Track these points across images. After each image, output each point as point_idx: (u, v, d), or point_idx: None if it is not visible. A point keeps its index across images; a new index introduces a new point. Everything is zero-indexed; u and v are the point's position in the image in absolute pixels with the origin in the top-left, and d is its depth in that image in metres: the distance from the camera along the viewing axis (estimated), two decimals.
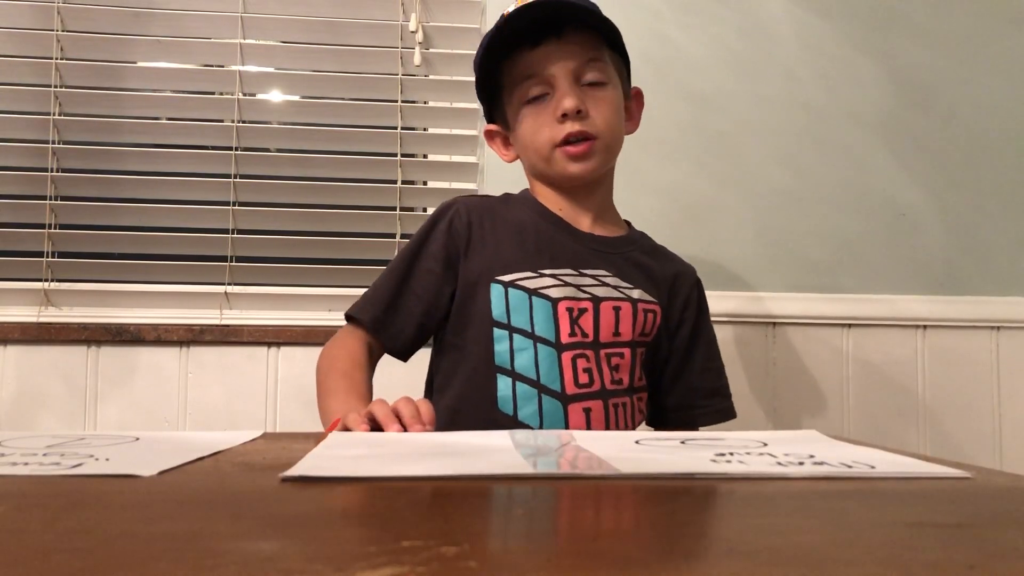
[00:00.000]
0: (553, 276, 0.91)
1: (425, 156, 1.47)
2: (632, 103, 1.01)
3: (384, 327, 0.92)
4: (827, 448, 0.54)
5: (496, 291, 0.90)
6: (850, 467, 0.46)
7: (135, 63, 1.42)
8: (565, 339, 0.89)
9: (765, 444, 0.55)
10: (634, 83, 1.04)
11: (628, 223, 1.04)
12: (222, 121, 1.40)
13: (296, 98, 1.47)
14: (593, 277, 0.93)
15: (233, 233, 1.38)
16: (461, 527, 0.33)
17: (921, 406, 1.38)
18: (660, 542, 0.31)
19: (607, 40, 0.95)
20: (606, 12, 0.92)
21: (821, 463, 0.47)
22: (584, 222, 0.97)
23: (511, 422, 0.87)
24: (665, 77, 1.41)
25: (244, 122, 1.40)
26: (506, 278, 0.91)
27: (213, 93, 1.43)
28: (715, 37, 1.43)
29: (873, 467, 0.46)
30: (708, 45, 1.43)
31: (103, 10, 1.39)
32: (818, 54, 1.44)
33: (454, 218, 0.95)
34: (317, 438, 0.60)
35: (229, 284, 1.36)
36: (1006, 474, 0.48)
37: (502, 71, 0.95)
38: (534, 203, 0.98)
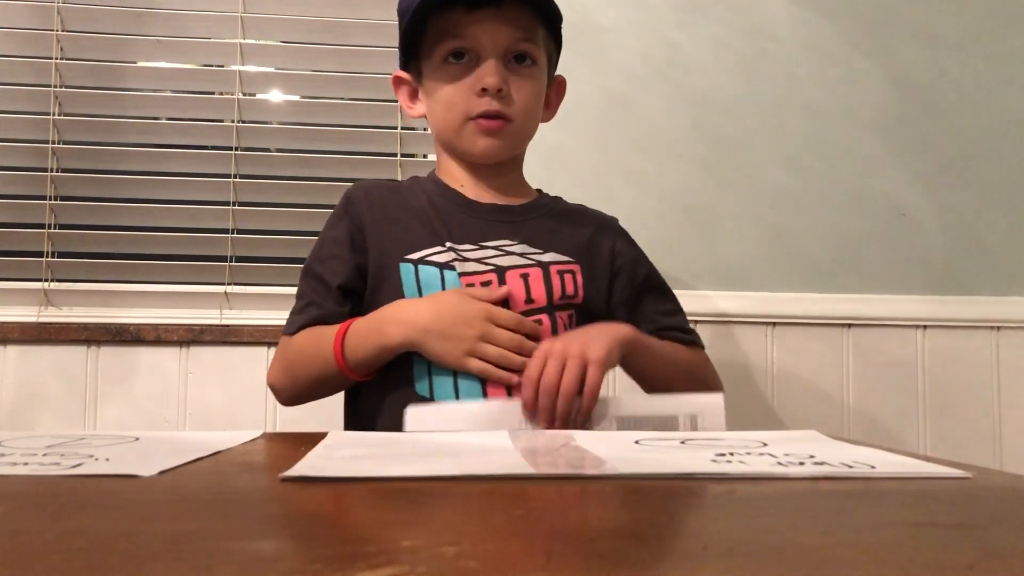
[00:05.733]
0: (454, 251, 0.88)
1: (425, 156, 1.47)
2: (552, 91, 0.97)
3: (322, 320, 0.88)
4: (827, 448, 0.54)
5: (406, 270, 0.88)
6: (850, 467, 0.46)
7: (135, 63, 1.42)
8: None
9: (765, 444, 0.55)
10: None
11: (539, 191, 1.01)
12: (222, 121, 1.40)
13: (296, 98, 1.47)
14: (496, 248, 0.90)
15: (233, 233, 1.38)
16: (461, 527, 0.33)
17: (921, 406, 1.38)
18: (660, 542, 0.31)
19: (544, 21, 0.90)
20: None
21: (821, 463, 0.47)
22: (487, 196, 0.94)
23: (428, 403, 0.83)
24: (665, 77, 1.41)
25: (244, 122, 1.40)
26: (415, 256, 0.88)
27: (213, 93, 1.43)
28: (715, 37, 1.43)
29: (873, 467, 0.46)
30: (708, 45, 1.42)
31: (103, 10, 1.39)
32: (818, 54, 1.44)
33: (349, 205, 0.93)
34: (317, 438, 0.60)
35: (229, 284, 1.36)
36: (1006, 474, 0.48)
37: (428, 21, 0.90)
38: (435, 181, 0.96)
